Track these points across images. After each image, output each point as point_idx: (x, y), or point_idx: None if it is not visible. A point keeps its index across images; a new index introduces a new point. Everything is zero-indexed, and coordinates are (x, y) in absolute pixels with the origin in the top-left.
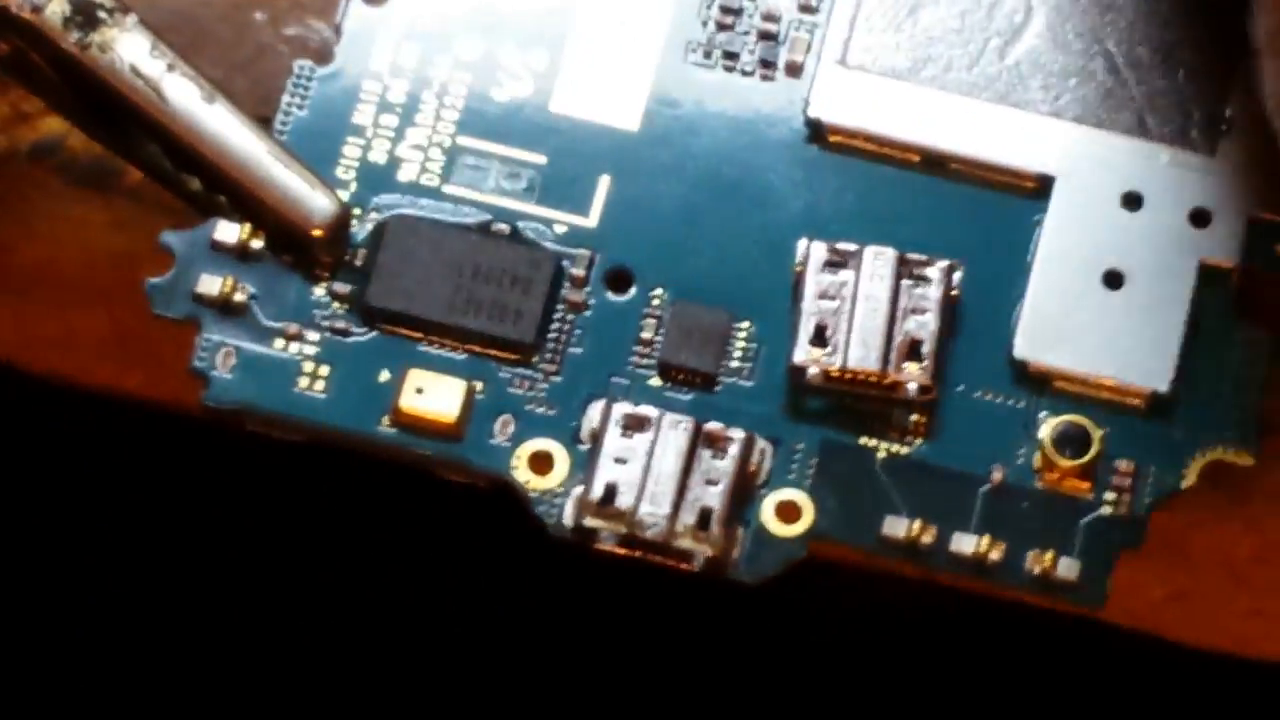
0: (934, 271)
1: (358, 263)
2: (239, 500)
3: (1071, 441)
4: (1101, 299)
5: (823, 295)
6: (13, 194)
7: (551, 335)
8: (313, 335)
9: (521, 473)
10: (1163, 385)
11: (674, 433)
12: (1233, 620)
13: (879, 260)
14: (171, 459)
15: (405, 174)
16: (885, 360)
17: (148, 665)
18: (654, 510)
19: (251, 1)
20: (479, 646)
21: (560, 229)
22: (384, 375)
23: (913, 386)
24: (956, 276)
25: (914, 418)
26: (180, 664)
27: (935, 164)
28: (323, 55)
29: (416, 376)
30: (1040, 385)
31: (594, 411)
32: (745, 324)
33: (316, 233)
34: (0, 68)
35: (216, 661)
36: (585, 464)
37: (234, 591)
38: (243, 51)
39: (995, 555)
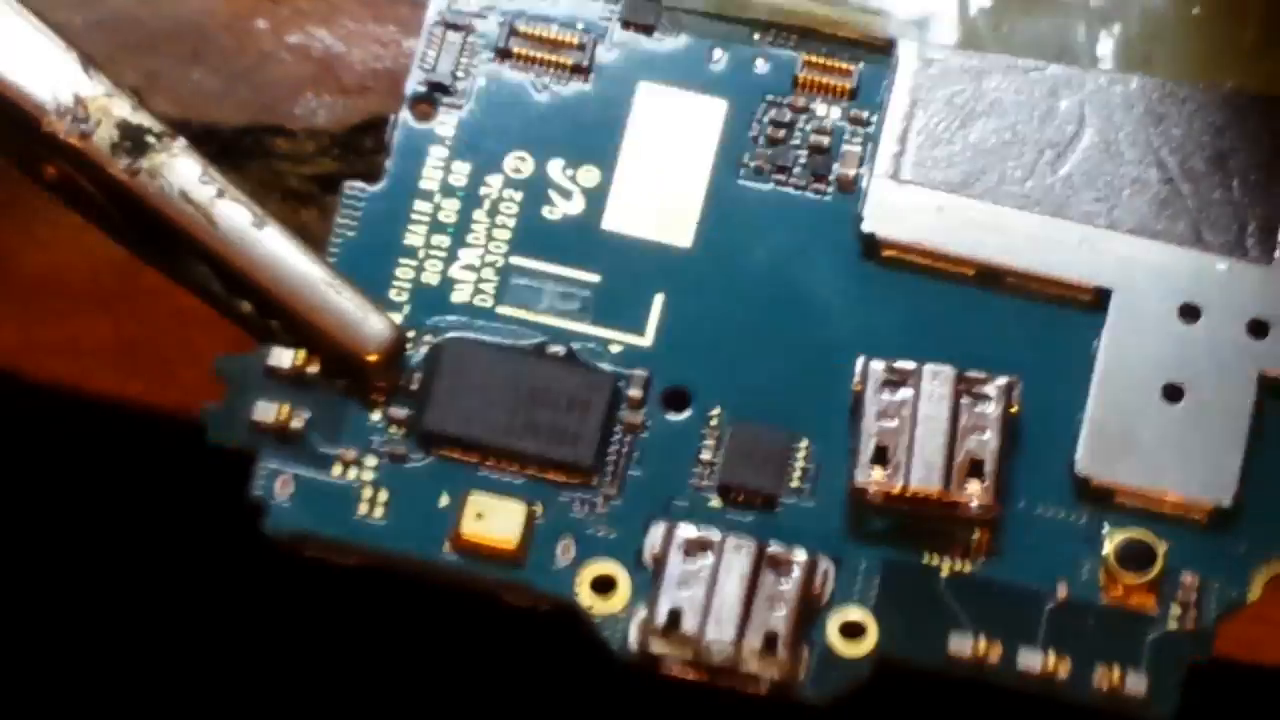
0: (993, 389)
1: (414, 387)
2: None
3: (1135, 557)
4: (1162, 412)
5: (882, 415)
6: (16, 202)
7: (610, 457)
8: (370, 461)
9: (584, 596)
10: (1226, 499)
11: (736, 556)
12: (1236, 626)
13: (938, 379)
14: (173, 468)
15: (458, 295)
16: (947, 479)
17: (145, 675)
18: (719, 634)
19: (253, 9)
20: None
21: (616, 349)
22: (444, 500)
23: (975, 505)
24: (1016, 393)
25: (976, 535)
26: (179, 677)
27: (990, 278)
28: (325, 65)
29: (476, 501)
30: (1102, 500)
31: (656, 534)
32: (804, 443)
33: (372, 358)
34: (48, 191)
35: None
36: (648, 587)
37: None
38: (245, 60)
39: (1062, 672)
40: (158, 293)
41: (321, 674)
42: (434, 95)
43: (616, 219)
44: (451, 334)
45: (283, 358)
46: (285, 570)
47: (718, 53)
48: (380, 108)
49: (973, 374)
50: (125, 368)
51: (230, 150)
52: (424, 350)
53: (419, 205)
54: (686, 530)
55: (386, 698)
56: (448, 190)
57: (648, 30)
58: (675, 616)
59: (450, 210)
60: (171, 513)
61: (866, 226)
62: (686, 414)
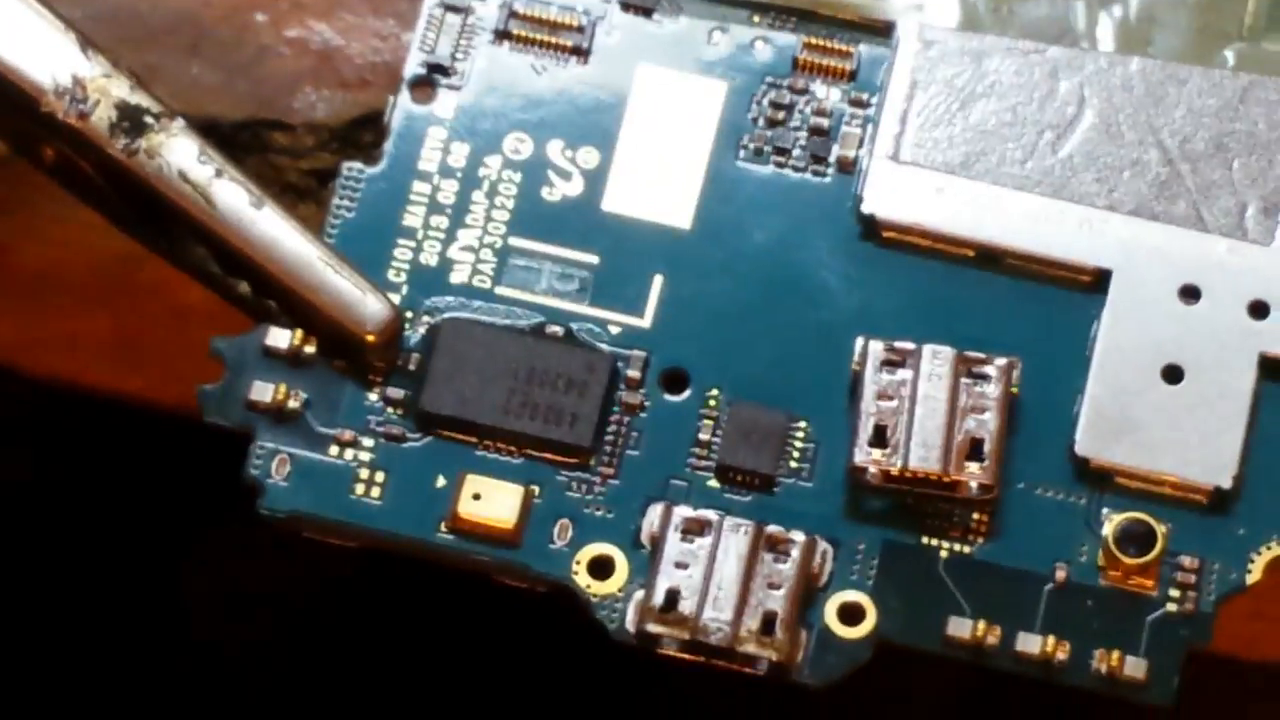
0: (993, 369)
1: (411, 367)
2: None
3: (1134, 539)
4: (1162, 393)
5: (881, 395)
6: (15, 197)
7: (608, 438)
8: (367, 441)
9: (581, 577)
10: (1225, 481)
11: (735, 536)
12: (1235, 622)
13: (937, 359)
14: (173, 462)
15: (457, 276)
16: (946, 460)
17: (145, 665)
18: (717, 615)
19: (252, 3)
20: None
21: (614, 330)
22: (440, 481)
23: (974, 486)
24: (1016, 374)
25: (976, 517)
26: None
27: (990, 259)
28: (324, 59)
29: (473, 482)
30: (1102, 482)
31: (653, 515)
32: (803, 423)
33: (369, 338)
34: (47, 173)
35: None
36: (646, 568)
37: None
38: (244, 53)
39: (1061, 655)
40: (157, 288)
41: (324, 661)
42: (433, 77)
43: (616, 200)
44: (449, 314)
45: (280, 338)
46: (286, 560)
47: (717, 35)
48: (379, 101)
49: (972, 354)
50: (125, 363)
51: (229, 144)
52: (422, 331)
53: (418, 186)
54: (684, 511)
55: (387, 681)
56: (446, 171)
57: (647, 13)
58: (673, 597)
59: (449, 191)
60: (170, 506)
61: (866, 208)
62: (685, 395)
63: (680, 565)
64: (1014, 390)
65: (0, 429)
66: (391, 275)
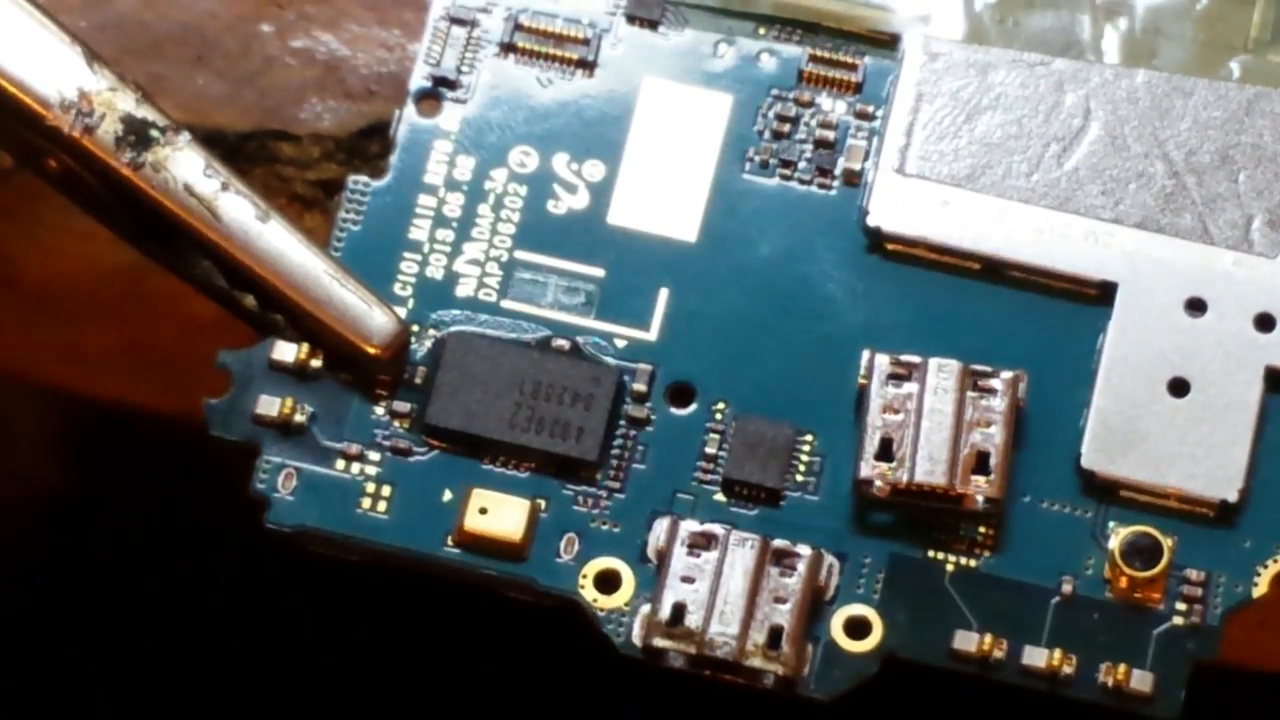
0: (999, 383)
1: (417, 381)
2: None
3: (1140, 552)
4: (1168, 406)
5: (888, 409)
6: (21, 207)
7: (614, 452)
8: (374, 455)
9: (588, 592)
10: (1231, 494)
11: (741, 550)
12: (1242, 632)
13: (943, 372)
14: (180, 472)
15: (463, 290)
16: (952, 473)
17: (153, 678)
18: (723, 630)
19: (258, 14)
20: None
21: (620, 343)
22: (446, 495)
23: (980, 499)
24: (1022, 387)
25: (982, 530)
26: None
27: (996, 272)
28: (330, 69)
29: (479, 496)
30: (1108, 495)
31: (659, 529)
32: (809, 436)
33: (376, 352)
34: (51, 184)
35: None
36: (652, 582)
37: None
38: (250, 64)
39: (1067, 668)
40: (164, 299)
41: (327, 672)
42: (439, 90)
43: (621, 213)
44: (455, 328)
45: (286, 352)
46: (291, 573)
47: (723, 47)
48: (385, 112)
49: (979, 368)
50: (131, 373)
51: (235, 155)
52: (428, 344)
53: (423, 199)
54: (690, 525)
55: (392, 695)
56: (452, 184)
57: (653, 25)
58: (679, 611)
59: (455, 204)
60: (177, 516)
61: (872, 220)
62: (691, 408)
63: (686, 579)
64: (1020, 403)
65: (4, 439)
66: (397, 289)
